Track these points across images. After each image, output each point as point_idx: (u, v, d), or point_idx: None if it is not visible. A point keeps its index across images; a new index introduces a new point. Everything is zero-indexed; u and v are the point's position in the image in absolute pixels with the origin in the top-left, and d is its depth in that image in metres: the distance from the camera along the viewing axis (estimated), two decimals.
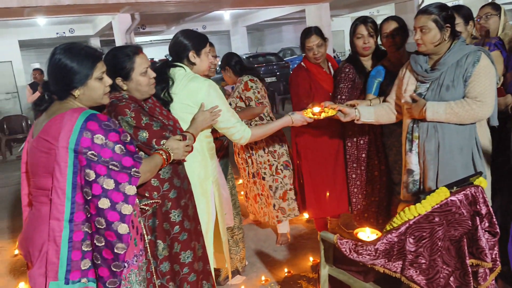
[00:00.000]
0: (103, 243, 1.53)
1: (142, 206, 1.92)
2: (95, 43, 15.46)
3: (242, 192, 3.84)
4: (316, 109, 2.50)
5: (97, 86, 1.65)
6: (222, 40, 19.84)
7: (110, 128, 1.56)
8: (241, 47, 16.91)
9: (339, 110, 2.51)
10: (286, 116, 2.52)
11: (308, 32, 2.98)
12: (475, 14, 3.11)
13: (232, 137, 2.32)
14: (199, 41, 2.29)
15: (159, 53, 17.86)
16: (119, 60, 1.92)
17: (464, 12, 2.72)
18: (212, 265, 2.28)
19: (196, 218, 2.16)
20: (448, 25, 2.17)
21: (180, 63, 2.27)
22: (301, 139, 3.17)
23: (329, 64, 3.13)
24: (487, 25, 2.94)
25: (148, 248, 1.93)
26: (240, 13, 15.15)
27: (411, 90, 2.32)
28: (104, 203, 1.51)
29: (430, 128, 2.23)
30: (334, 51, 14.19)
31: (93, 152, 1.51)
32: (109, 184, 1.52)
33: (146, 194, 1.94)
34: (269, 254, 3.34)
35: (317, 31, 2.98)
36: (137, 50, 1.98)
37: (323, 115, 2.48)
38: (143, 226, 1.90)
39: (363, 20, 2.88)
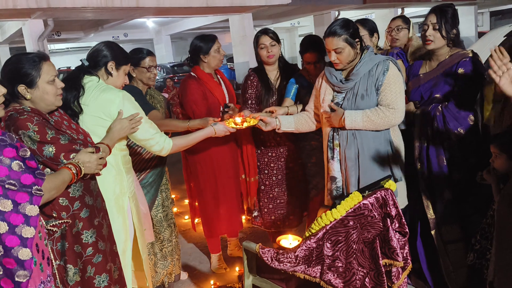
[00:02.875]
0: (1, 272, 1.38)
1: (49, 228, 1.77)
2: (4, 50, 14.32)
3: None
4: (238, 119, 2.51)
5: None
6: None
7: (5, 143, 1.41)
8: (166, 55, 16.64)
9: (261, 119, 2.54)
10: (209, 127, 2.49)
11: (213, 37, 2.95)
12: (384, 27, 3.34)
13: (152, 148, 2.24)
14: (123, 57, 2.24)
15: (76, 61, 16.99)
16: (24, 65, 1.75)
17: (369, 25, 2.92)
18: (131, 285, 2.16)
19: (112, 238, 2.04)
20: (357, 39, 2.28)
21: (95, 72, 2.17)
22: (192, 156, 3.02)
23: (218, 76, 3.09)
24: (398, 37, 3.13)
25: (56, 274, 1.78)
26: (163, 21, 14.90)
27: (329, 100, 2.41)
28: (0, 227, 1.37)
29: (349, 136, 2.32)
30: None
31: None
32: (6, 205, 1.38)
33: (54, 214, 1.78)
34: (195, 267, 3.26)
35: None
36: (44, 56, 1.83)
37: (245, 125, 2.51)
38: (50, 250, 1.74)
39: (264, 31, 2.97)
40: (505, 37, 3.75)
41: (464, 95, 2.25)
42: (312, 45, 2.88)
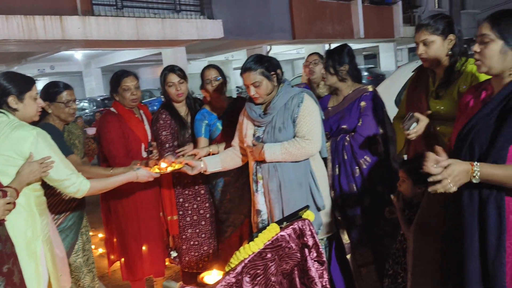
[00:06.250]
0: None
1: None
2: None
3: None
4: (163, 164, 2.49)
5: None
6: (75, 82, 18.70)
7: None
8: (96, 88, 16.18)
9: (186, 164, 2.53)
10: (131, 172, 2.44)
11: (124, 72, 2.87)
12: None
13: (67, 190, 2.14)
14: (23, 84, 2.08)
15: None
16: None
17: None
18: None
19: (23, 285, 1.90)
20: (272, 72, 2.39)
21: (2, 110, 2.04)
22: (112, 195, 2.86)
23: (141, 111, 3.03)
24: (315, 70, 3.49)
25: None
26: (93, 54, 14.54)
27: (251, 135, 2.47)
28: None
29: (271, 168, 2.38)
30: (193, 93, 14.48)
31: None
32: None
33: None
34: None
35: (135, 73, 2.92)
36: None
37: (169, 169, 2.48)
38: None
39: (171, 69, 2.92)
40: (413, 72, 4.11)
41: (367, 126, 2.44)
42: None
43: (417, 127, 1.78)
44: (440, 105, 2.21)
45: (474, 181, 1.50)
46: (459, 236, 1.68)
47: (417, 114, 1.69)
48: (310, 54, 3.64)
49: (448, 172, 1.46)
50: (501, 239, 1.55)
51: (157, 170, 2.46)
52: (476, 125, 1.62)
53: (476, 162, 1.50)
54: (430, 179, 1.48)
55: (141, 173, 2.43)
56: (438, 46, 2.18)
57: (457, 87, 2.16)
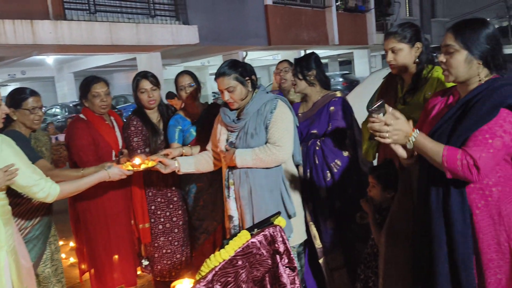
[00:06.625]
0: None
1: None
2: None
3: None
4: (137, 161, 2.45)
5: None
6: (47, 87, 18.29)
7: None
8: (68, 94, 15.81)
9: (160, 162, 2.50)
10: (102, 171, 2.39)
11: (94, 78, 2.83)
12: None
13: (36, 195, 2.08)
14: None
15: None
16: None
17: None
18: None
19: None
20: (247, 78, 2.39)
21: None
22: (80, 203, 2.82)
23: (112, 118, 2.99)
24: (286, 77, 3.52)
25: None
26: (65, 58, 14.26)
27: (224, 140, 2.46)
28: None
29: (242, 174, 2.37)
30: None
31: None
32: None
33: None
34: None
35: (105, 79, 2.87)
36: None
37: (143, 167, 2.44)
38: None
39: (144, 75, 2.89)
40: (383, 79, 4.20)
41: (337, 130, 2.49)
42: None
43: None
44: (407, 110, 2.25)
45: (408, 145, 1.60)
46: (428, 240, 1.72)
47: (387, 107, 1.68)
48: (280, 62, 3.65)
49: (394, 122, 1.55)
50: (467, 236, 1.60)
51: (129, 168, 2.42)
52: (440, 128, 1.68)
53: (417, 130, 1.59)
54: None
55: (112, 172, 2.38)
56: (406, 54, 2.23)
57: (423, 94, 2.21)
